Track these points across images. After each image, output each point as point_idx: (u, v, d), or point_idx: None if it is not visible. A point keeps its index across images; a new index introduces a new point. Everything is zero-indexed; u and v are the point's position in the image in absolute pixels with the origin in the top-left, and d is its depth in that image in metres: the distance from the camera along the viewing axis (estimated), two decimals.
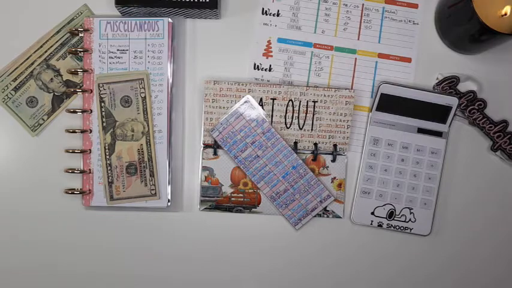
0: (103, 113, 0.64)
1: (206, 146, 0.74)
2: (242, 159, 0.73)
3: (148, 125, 0.64)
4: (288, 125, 0.74)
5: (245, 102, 0.73)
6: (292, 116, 0.74)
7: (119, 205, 0.71)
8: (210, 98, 0.73)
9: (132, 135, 0.67)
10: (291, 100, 0.74)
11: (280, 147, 0.73)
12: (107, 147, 0.66)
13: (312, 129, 0.74)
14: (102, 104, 0.63)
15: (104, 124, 0.65)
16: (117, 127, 0.67)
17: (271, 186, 0.74)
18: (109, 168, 0.66)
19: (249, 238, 0.76)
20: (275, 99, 0.74)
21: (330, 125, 0.74)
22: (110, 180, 0.67)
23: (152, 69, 0.73)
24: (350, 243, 0.76)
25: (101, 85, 0.60)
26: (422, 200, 0.76)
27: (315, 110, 0.74)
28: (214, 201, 0.75)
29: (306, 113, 0.74)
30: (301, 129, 0.74)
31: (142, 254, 0.75)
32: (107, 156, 0.66)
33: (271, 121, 0.74)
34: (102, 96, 0.62)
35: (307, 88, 0.74)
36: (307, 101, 0.74)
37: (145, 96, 0.62)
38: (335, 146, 0.75)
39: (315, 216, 0.75)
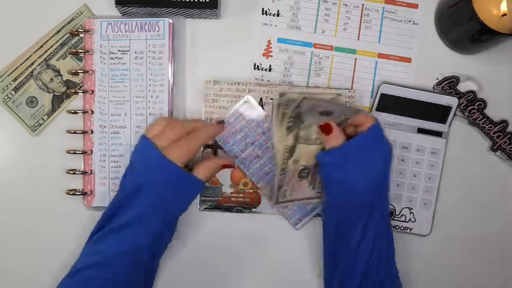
0: (292, 113, 0.62)
1: (206, 146, 0.74)
2: (242, 159, 0.73)
3: None
4: None
5: (245, 102, 0.73)
6: None
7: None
8: (210, 98, 0.73)
9: (317, 137, 0.66)
10: None
11: None
12: (287, 151, 0.64)
13: None
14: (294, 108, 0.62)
15: (290, 124, 0.63)
16: (301, 128, 0.64)
17: (271, 186, 0.74)
18: (283, 172, 0.65)
19: (249, 238, 0.76)
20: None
21: None
22: (279, 185, 0.66)
23: (153, 69, 0.73)
24: None
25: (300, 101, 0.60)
26: (422, 200, 0.76)
27: None
28: (215, 201, 0.75)
29: None
30: None
31: None
32: (285, 160, 0.65)
33: (272, 121, 0.74)
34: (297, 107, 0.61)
35: (307, 88, 0.74)
36: None
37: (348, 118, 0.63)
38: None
39: (315, 216, 0.75)
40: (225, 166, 0.70)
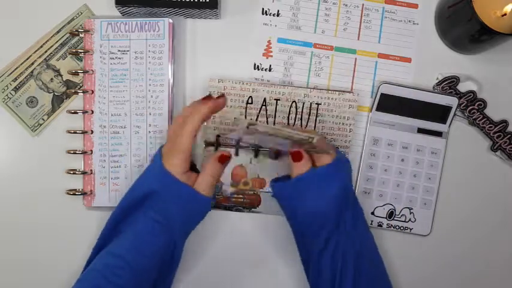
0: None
1: (207, 144, 0.74)
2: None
3: None
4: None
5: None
6: (295, 117, 0.74)
7: None
8: (214, 96, 0.73)
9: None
10: (295, 101, 0.74)
11: None
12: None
13: None
14: None
15: None
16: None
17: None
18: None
19: (248, 237, 0.76)
20: (279, 99, 0.74)
21: (332, 128, 0.74)
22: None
23: (153, 69, 0.73)
24: None
25: None
26: (422, 200, 0.76)
27: (318, 112, 0.74)
28: (214, 199, 0.75)
29: (309, 115, 0.74)
30: None
31: None
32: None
33: (274, 121, 0.74)
34: None
35: (312, 90, 0.74)
36: (311, 103, 0.74)
37: None
38: (336, 148, 0.74)
39: None
40: (221, 159, 0.64)
